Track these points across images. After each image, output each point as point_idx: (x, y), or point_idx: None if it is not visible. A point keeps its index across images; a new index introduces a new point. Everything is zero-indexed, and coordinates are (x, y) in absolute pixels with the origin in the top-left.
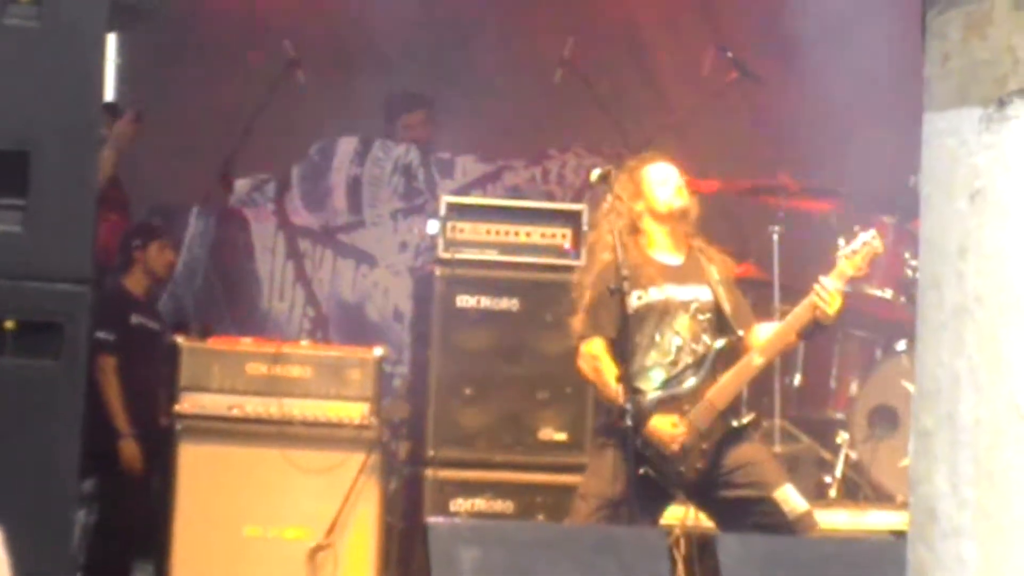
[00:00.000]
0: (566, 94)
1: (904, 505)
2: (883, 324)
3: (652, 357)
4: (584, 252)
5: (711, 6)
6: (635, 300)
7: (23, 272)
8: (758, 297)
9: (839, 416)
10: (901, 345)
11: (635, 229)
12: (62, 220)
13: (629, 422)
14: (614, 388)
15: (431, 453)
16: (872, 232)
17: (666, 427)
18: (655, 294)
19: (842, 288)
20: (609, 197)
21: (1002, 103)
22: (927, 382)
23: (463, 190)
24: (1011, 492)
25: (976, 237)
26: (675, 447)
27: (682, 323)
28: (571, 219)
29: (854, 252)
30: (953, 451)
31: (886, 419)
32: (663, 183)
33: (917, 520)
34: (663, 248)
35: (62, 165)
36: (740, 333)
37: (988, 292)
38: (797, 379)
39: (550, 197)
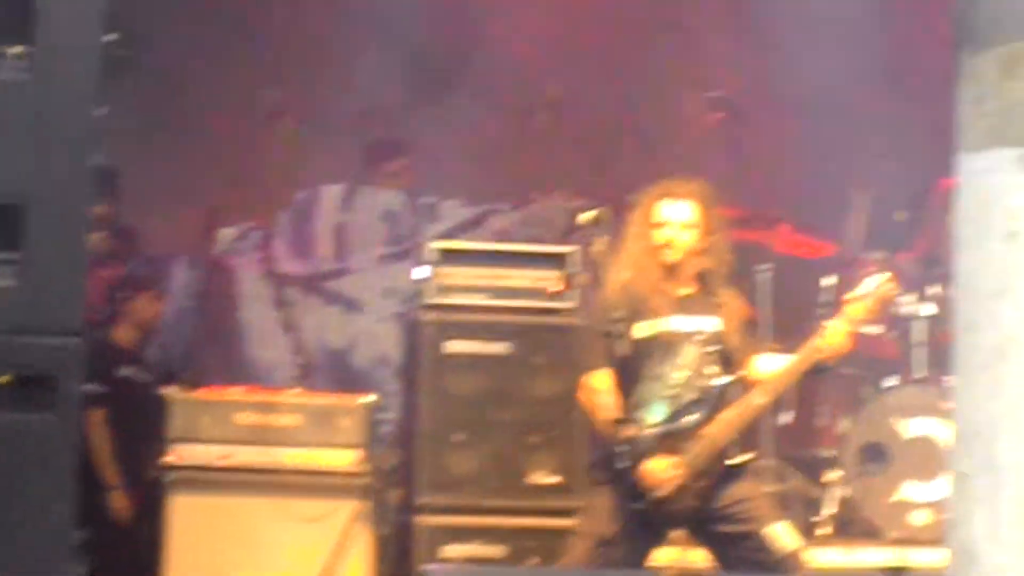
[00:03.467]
0: (549, 137)
1: (895, 542)
2: (872, 361)
3: (655, 390)
4: (574, 294)
5: (698, 50)
6: (641, 331)
7: (17, 326)
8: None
9: (829, 454)
10: (890, 381)
11: (649, 255)
12: (55, 273)
13: (624, 463)
14: (610, 420)
15: (422, 500)
16: (883, 276)
17: (660, 470)
18: (661, 325)
19: (848, 331)
20: (600, 238)
21: None
22: (965, 425)
23: (449, 235)
24: None
25: (1013, 278)
26: (664, 492)
27: (688, 356)
28: (560, 262)
29: (863, 295)
30: (993, 493)
31: (876, 456)
32: (660, 226)
33: (957, 562)
34: (675, 278)
35: (55, 218)
36: (743, 372)
37: None
38: (786, 417)
39: (535, 241)
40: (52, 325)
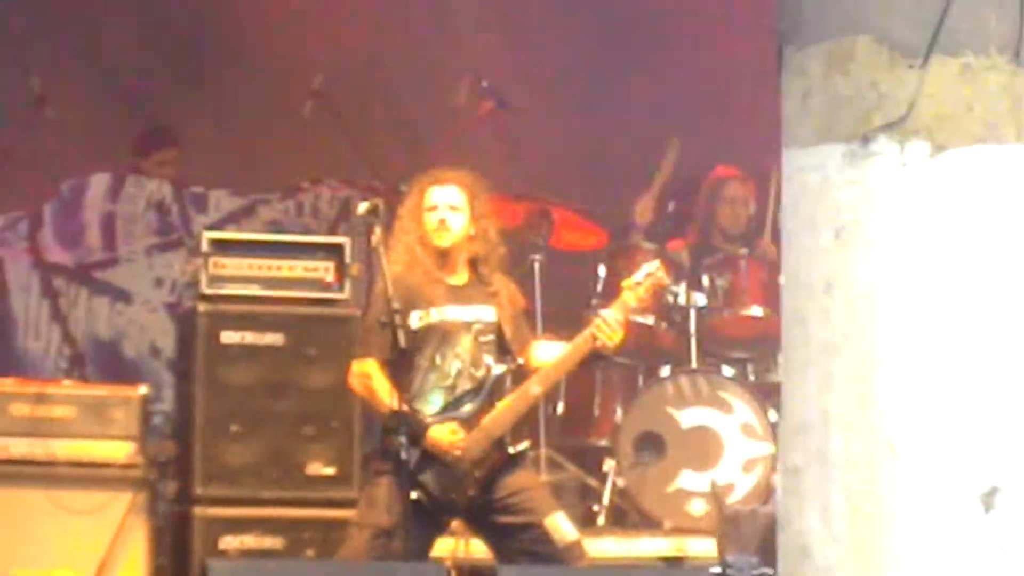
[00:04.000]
0: (316, 127)
1: (672, 531)
2: (645, 350)
3: (431, 380)
4: (347, 285)
5: (462, 38)
6: (416, 320)
7: None
8: None
9: (604, 443)
10: (665, 371)
11: (422, 243)
12: None
13: (403, 440)
14: (387, 402)
15: (199, 491)
16: (656, 263)
17: (445, 435)
18: (435, 315)
19: (624, 320)
20: (378, 229)
21: (866, 139)
22: (795, 418)
23: (218, 225)
24: (884, 527)
25: (842, 273)
26: (456, 453)
27: (464, 346)
28: (334, 252)
29: (637, 284)
30: (825, 488)
31: (652, 446)
32: (432, 210)
33: (788, 557)
34: (447, 266)
35: None
36: (520, 361)
37: (856, 328)
38: (560, 407)
39: (306, 230)
40: None
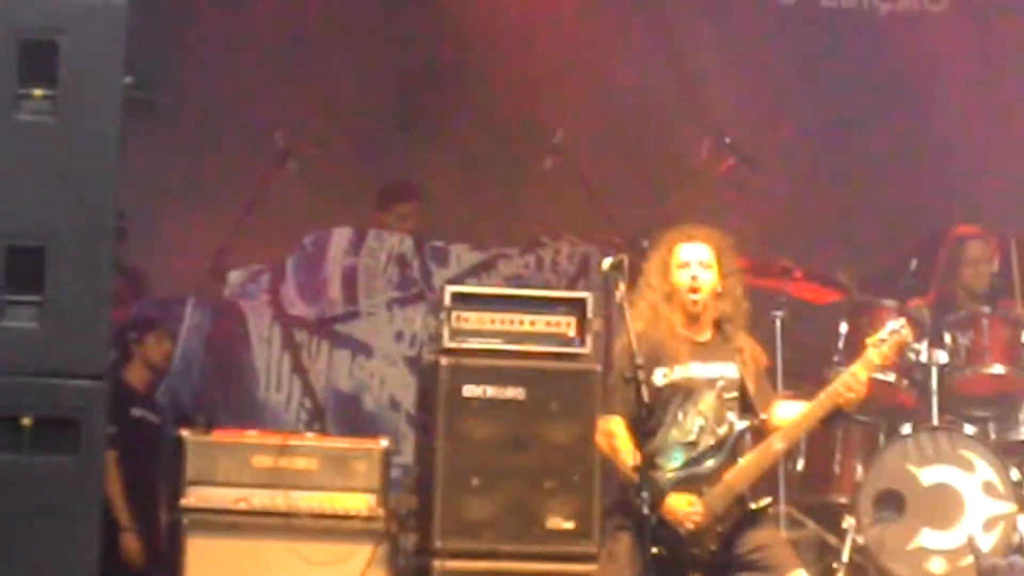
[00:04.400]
0: (557, 182)
1: None
2: (886, 409)
3: (673, 436)
4: (588, 340)
5: (702, 94)
6: (660, 378)
7: (39, 368)
8: None
9: (844, 501)
10: (906, 429)
11: (669, 300)
12: (77, 316)
13: (644, 498)
14: (630, 464)
15: (438, 544)
16: (901, 321)
17: (681, 505)
18: (680, 372)
19: (868, 377)
20: (621, 285)
21: None
22: None
23: (459, 279)
24: None
25: None
26: (689, 526)
27: (707, 402)
28: (575, 307)
29: (882, 341)
30: None
31: (892, 503)
32: (684, 267)
33: None
34: (694, 323)
35: (77, 260)
36: (763, 416)
37: None
38: (800, 464)
39: (546, 285)
40: (75, 367)
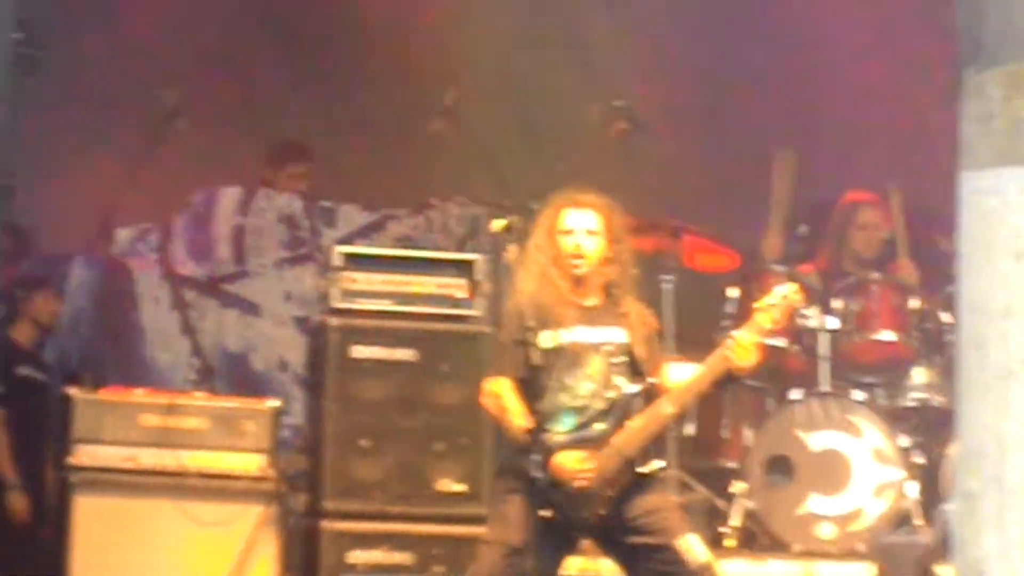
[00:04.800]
0: (447, 143)
1: (801, 554)
2: (776, 373)
3: (562, 400)
4: (478, 302)
5: (595, 60)
6: (547, 341)
7: None
8: None
9: (733, 465)
10: (795, 394)
11: (555, 264)
12: None
13: (534, 460)
14: (519, 422)
15: (328, 505)
16: (791, 286)
17: (572, 462)
18: (566, 336)
19: (758, 341)
20: (511, 247)
21: None
22: (971, 443)
23: (348, 239)
24: None
25: (1021, 297)
26: (581, 483)
27: (594, 366)
28: (465, 269)
29: (771, 305)
30: (1001, 513)
31: (781, 468)
32: (568, 233)
33: None
34: (581, 288)
35: None
36: (652, 380)
37: None
38: (691, 428)
39: (435, 247)
40: None
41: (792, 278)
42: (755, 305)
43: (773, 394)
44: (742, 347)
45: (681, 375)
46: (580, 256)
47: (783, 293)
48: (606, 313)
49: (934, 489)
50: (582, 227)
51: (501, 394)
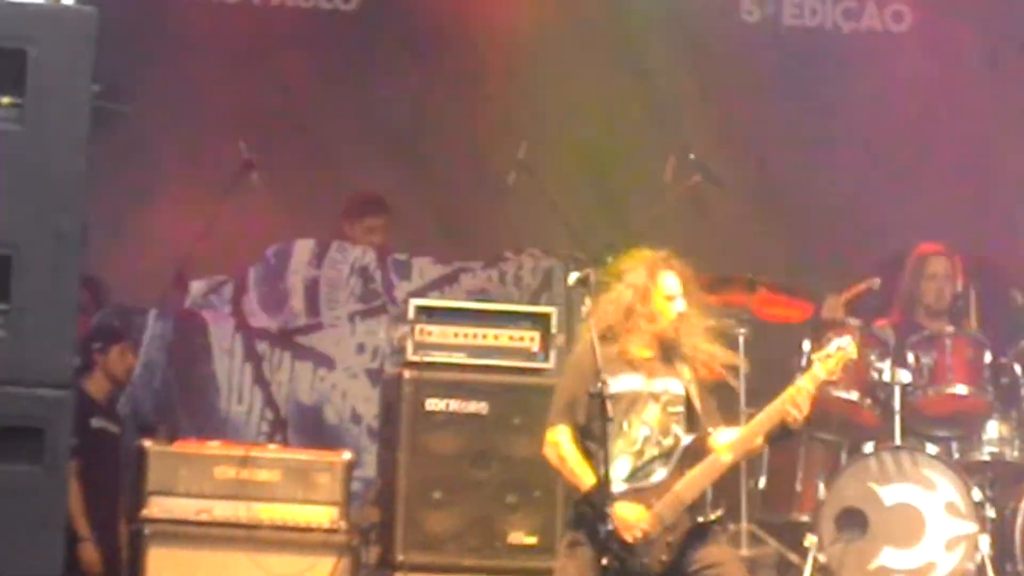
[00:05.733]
0: (520, 196)
1: None
2: (849, 426)
3: (619, 446)
4: (552, 354)
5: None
6: (606, 389)
7: (5, 377)
8: (721, 399)
9: (806, 519)
10: (868, 448)
11: (628, 316)
12: (43, 324)
13: (596, 509)
14: (579, 475)
15: (400, 558)
16: (847, 338)
17: (629, 514)
18: (624, 383)
19: (813, 392)
20: (587, 300)
21: None
22: None
23: (421, 292)
24: None
25: None
26: (637, 534)
27: (651, 414)
28: (539, 321)
29: (828, 356)
30: None
31: (854, 522)
32: (671, 299)
33: None
34: (639, 339)
35: (44, 269)
36: (711, 430)
37: None
38: (762, 482)
39: (508, 299)
40: (41, 376)
41: (867, 333)
42: (812, 356)
43: (846, 447)
44: (797, 396)
45: (728, 437)
46: (680, 320)
47: (840, 344)
48: (664, 365)
49: (1006, 543)
50: (678, 291)
51: (560, 443)
